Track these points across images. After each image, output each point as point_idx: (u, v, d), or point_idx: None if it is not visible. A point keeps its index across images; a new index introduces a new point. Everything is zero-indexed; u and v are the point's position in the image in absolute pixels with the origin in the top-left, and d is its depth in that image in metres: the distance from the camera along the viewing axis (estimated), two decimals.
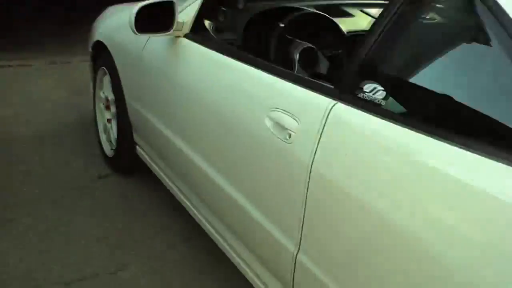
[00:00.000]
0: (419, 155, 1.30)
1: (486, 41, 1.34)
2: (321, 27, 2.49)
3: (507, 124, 1.19)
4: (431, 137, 1.27)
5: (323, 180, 1.51)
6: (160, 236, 2.64)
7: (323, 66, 2.37)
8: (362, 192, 1.39)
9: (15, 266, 2.36)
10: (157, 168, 2.70)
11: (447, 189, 1.21)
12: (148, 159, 2.79)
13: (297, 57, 2.31)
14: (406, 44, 1.54)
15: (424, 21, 1.54)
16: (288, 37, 2.36)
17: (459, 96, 1.33)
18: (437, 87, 1.40)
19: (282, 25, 2.37)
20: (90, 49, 3.34)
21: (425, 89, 1.42)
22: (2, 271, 2.31)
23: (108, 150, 3.26)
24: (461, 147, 1.20)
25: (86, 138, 3.61)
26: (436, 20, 1.56)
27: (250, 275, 1.98)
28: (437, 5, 1.56)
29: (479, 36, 1.37)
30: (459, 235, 1.18)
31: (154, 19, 2.26)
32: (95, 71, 3.31)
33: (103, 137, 3.32)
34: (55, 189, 3.00)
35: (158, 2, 2.26)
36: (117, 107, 3.00)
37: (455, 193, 1.19)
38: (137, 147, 2.92)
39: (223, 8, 2.48)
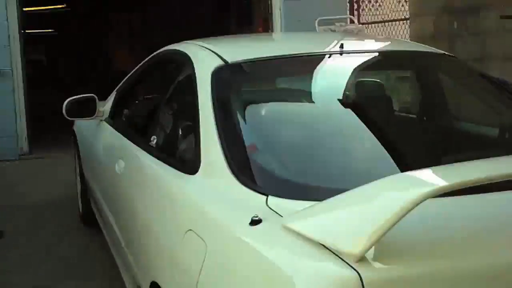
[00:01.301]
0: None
1: None
2: None
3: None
4: (164, 162, 2.36)
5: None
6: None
7: None
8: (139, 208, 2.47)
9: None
10: (96, 213, 3.85)
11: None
12: (92, 207, 3.96)
13: None
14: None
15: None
16: None
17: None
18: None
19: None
20: (72, 137, 4.66)
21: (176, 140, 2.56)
22: None
23: (81, 209, 4.48)
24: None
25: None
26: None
27: None
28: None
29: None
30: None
31: (83, 108, 3.47)
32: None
33: (79, 201, 4.55)
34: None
35: (84, 97, 3.47)
36: (81, 177, 4.24)
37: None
38: (91, 202, 4.09)
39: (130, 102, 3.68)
